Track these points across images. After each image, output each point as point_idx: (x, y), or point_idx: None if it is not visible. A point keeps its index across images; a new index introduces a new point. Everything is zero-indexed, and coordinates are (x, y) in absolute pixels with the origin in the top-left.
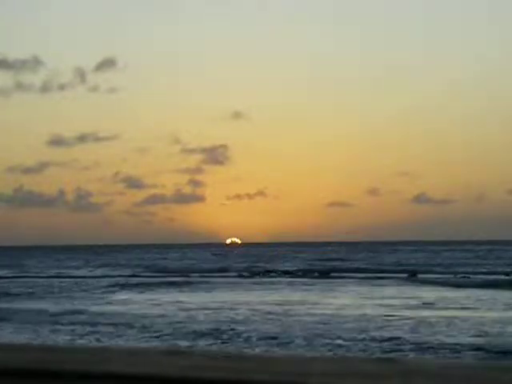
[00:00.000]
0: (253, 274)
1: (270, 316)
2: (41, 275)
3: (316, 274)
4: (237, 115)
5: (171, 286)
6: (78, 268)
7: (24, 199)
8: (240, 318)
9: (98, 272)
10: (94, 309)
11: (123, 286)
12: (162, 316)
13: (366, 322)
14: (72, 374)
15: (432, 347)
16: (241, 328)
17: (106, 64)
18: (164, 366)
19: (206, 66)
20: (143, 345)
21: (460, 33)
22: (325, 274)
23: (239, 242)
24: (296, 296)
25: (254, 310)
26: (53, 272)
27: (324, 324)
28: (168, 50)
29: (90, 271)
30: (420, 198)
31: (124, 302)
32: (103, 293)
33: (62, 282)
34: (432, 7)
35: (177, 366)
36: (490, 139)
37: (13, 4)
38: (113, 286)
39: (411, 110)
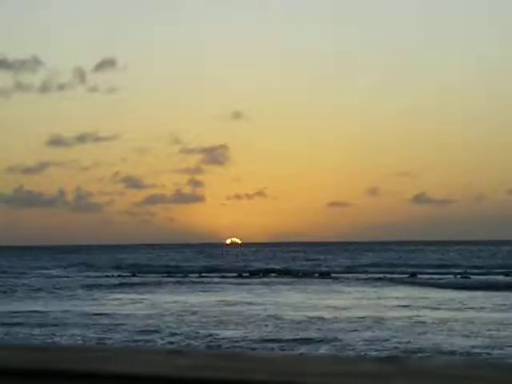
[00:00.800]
0: (251, 274)
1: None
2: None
3: (316, 275)
4: (236, 115)
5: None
6: (45, 268)
7: (24, 199)
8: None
9: (70, 272)
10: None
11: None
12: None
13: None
14: (72, 374)
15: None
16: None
17: (106, 64)
18: (164, 366)
19: (206, 65)
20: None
21: (460, 33)
22: (325, 274)
23: (239, 241)
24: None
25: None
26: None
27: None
28: (168, 50)
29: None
30: (420, 198)
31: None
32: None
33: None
34: (432, 7)
35: (177, 366)
36: (490, 139)
37: (12, 4)
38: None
39: (411, 109)
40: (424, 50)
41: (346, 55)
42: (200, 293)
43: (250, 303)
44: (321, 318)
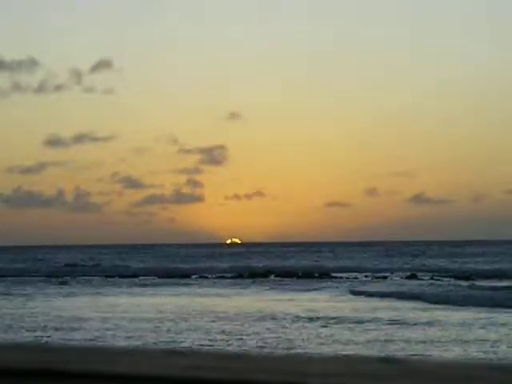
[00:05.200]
0: (252, 276)
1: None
2: None
3: (316, 275)
4: (235, 115)
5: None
6: None
7: (22, 199)
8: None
9: None
10: None
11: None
12: None
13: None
14: (72, 374)
15: None
16: None
17: (103, 65)
18: (164, 366)
19: (204, 66)
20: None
21: (459, 30)
22: (325, 274)
23: (239, 241)
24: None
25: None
26: None
27: None
28: (165, 51)
29: None
30: (419, 198)
31: None
32: None
33: None
34: (434, 5)
35: (177, 366)
36: (490, 138)
37: (9, 4)
38: None
39: (410, 109)
40: (424, 48)
41: (345, 54)
42: None
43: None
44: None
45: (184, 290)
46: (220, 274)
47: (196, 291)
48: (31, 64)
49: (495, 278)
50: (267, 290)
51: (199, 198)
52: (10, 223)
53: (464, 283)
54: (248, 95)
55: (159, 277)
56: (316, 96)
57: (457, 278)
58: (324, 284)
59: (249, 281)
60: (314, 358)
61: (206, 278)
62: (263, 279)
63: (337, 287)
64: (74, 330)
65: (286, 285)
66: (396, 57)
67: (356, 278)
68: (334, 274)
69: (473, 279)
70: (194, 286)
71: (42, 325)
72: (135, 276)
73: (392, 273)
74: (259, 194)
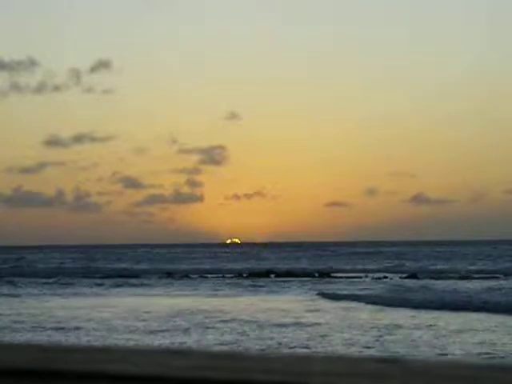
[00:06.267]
0: (252, 275)
1: None
2: None
3: (316, 275)
4: (235, 115)
5: None
6: None
7: (22, 199)
8: None
9: None
10: None
11: None
12: None
13: None
14: (72, 374)
15: None
16: None
17: (102, 65)
18: (164, 366)
19: (204, 66)
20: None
21: (459, 30)
22: (325, 274)
23: (239, 241)
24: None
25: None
26: None
27: None
28: (164, 51)
29: None
30: (419, 198)
31: None
32: None
33: None
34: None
35: (177, 366)
36: (490, 139)
37: (8, 5)
38: None
39: (409, 109)
40: (424, 49)
41: (345, 54)
42: None
43: None
44: None
45: (183, 290)
46: (220, 274)
47: (192, 292)
48: (30, 64)
49: (495, 279)
50: (242, 291)
51: (199, 198)
52: (10, 223)
53: (464, 283)
54: (248, 95)
55: (159, 277)
56: (316, 96)
57: (456, 278)
58: (317, 285)
59: (226, 281)
60: (313, 358)
61: (206, 277)
62: (261, 279)
63: (317, 288)
64: (73, 330)
65: (274, 285)
66: (396, 57)
67: (359, 277)
68: (333, 275)
69: (471, 279)
70: (192, 286)
71: (41, 325)
72: (135, 276)
73: (392, 273)
74: (259, 194)
